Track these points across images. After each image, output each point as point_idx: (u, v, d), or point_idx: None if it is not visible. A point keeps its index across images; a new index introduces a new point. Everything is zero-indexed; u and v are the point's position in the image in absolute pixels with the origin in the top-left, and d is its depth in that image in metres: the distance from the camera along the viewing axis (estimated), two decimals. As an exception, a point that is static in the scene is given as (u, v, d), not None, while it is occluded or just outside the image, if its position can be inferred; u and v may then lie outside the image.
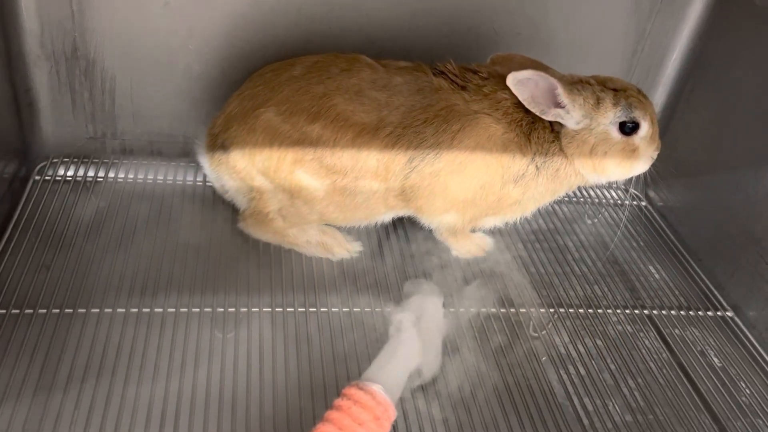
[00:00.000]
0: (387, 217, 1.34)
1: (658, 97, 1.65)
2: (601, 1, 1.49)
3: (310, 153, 1.19)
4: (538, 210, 1.35)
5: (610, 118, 1.17)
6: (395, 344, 1.03)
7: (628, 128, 1.18)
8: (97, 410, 0.97)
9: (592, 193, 1.71)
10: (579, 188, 1.71)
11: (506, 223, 1.36)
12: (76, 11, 1.29)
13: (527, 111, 1.18)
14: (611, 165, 1.21)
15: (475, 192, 1.23)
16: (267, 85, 1.23)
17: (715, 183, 1.48)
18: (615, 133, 1.18)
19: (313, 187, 1.22)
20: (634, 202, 1.71)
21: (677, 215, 1.60)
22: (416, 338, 1.07)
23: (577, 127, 1.19)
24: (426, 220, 1.32)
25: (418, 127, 1.18)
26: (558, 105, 1.17)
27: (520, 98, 1.15)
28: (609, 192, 1.73)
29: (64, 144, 1.45)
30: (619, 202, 1.70)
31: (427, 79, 1.22)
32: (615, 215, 1.64)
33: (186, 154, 1.47)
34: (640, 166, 1.24)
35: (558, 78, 1.15)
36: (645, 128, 1.19)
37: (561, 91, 1.14)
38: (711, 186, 1.50)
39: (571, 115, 1.18)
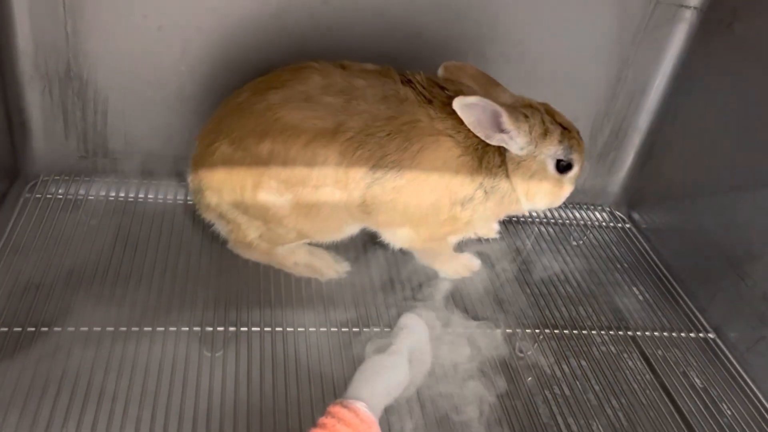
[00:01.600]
0: (356, 229, 1.33)
1: (642, 122, 1.68)
2: (586, 28, 1.53)
3: (265, 172, 1.18)
4: (524, 231, 1.37)
5: (552, 151, 1.20)
6: (380, 361, 1.04)
7: (561, 166, 1.22)
8: (84, 430, 0.97)
9: (577, 215, 1.73)
10: (565, 209, 1.74)
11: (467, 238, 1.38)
12: (71, 33, 1.31)
13: None
14: (540, 194, 1.25)
15: (427, 210, 1.23)
16: (216, 120, 1.25)
17: (696, 206, 1.51)
18: (550, 167, 1.22)
19: (278, 205, 1.21)
20: (619, 224, 1.73)
21: (660, 237, 1.63)
22: (402, 356, 1.08)
23: (521, 152, 1.20)
24: (386, 235, 1.32)
25: (382, 140, 1.17)
26: (502, 130, 1.18)
27: (466, 122, 1.15)
28: (594, 214, 1.75)
29: (56, 162, 1.46)
30: (604, 224, 1.73)
31: (394, 87, 1.20)
32: (600, 237, 1.67)
33: (177, 174, 1.49)
34: (558, 202, 1.29)
35: (503, 103, 1.16)
36: (575, 171, 1.24)
37: (505, 119, 1.15)
38: (693, 209, 1.53)
39: (515, 141, 1.19)
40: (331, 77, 1.20)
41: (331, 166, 1.17)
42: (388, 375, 1.00)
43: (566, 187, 1.26)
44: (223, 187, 1.23)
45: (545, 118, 1.20)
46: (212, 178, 1.24)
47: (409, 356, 1.06)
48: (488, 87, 1.26)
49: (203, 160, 1.25)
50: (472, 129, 1.16)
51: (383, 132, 1.17)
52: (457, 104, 1.13)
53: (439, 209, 1.24)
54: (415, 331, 1.14)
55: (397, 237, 1.32)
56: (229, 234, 1.32)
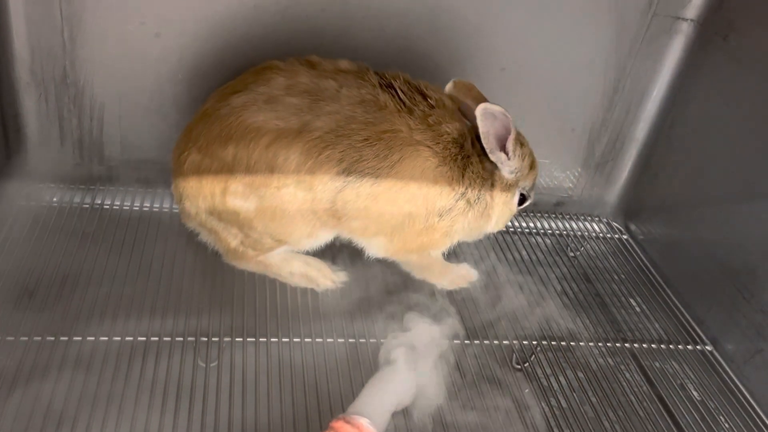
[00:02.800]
0: (330, 236, 1.31)
1: (639, 132, 1.68)
2: (583, 39, 1.53)
3: (231, 176, 1.18)
4: (521, 242, 1.37)
5: (526, 184, 1.28)
6: (384, 376, 1.03)
7: (520, 198, 1.30)
8: (77, 441, 0.96)
9: (574, 225, 1.73)
10: (562, 220, 1.74)
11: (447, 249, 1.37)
12: (67, 40, 1.30)
13: (462, 147, 1.20)
14: (502, 222, 1.32)
15: (402, 220, 1.23)
16: (186, 130, 1.25)
17: (693, 218, 1.51)
18: (516, 198, 1.29)
19: (244, 209, 1.20)
20: (616, 236, 1.73)
21: (657, 249, 1.63)
22: (406, 370, 1.07)
23: (509, 177, 1.24)
24: (360, 244, 1.31)
25: (357, 144, 1.15)
26: (503, 149, 1.19)
27: (480, 129, 1.15)
28: (591, 225, 1.75)
29: (51, 170, 1.45)
30: (601, 235, 1.72)
31: (372, 92, 1.19)
32: (597, 248, 1.67)
33: (171, 183, 1.48)
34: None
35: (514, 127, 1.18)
36: (525, 204, 1.31)
37: (512, 139, 1.17)
38: (689, 221, 1.53)
39: (511, 164, 1.22)
40: (295, 78, 1.19)
41: (293, 166, 1.15)
42: (394, 389, 0.99)
43: (511, 216, 1.33)
44: (197, 196, 1.23)
45: (533, 154, 1.25)
46: (187, 187, 1.24)
47: (413, 360, 1.05)
48: None
49: (178, 170, 1.25)
50: (482, 138, 1.17)
51: (359, 136, 1.15)
52: (482, 109, 1.13)
53: (414, 219, 1.23)
54: (417, 333, 1.13)
55: (371, 245, 1.31)
56: (214, 243, 1.32)
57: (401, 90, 1.20)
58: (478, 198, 1.24)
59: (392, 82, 1.21)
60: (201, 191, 1.22)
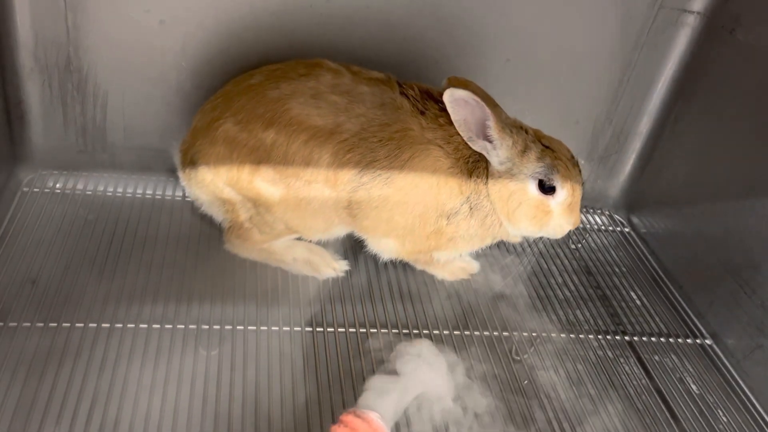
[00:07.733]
0: (343, 231, 1.33)
1: (643, 126, 1.68)
2: (588, 31, 1.52)
3: (265, 159, 1.19)
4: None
5: (530, 169, 1.16)
6: (398, 373, 1.03)
7: (545, 188, 1.17)
8: (78, 427, 0.97)
9: (576, 217, 1.73)
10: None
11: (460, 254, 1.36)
12: (71, 27, 1.30)
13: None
14: (523, 218, 1.20)
15: (413, 220, 1.23)
16: (226, 96, 1.26)
17: (695, 212, 1.51)
18: (532, 188, 1.18)
19: (269, 193, 1.22)
20: (618, 228, 1.73)
21: (659, 242, 1.63)
22: (419, 368, 1.07)
23: (500, 167, 1.18)
24: (372, 244, 1.32)
25: (373, 145, 1.18)
26: (487, 138, 1.16)
27: (453, 118, 1.14)
28: (594, 217, 1.75)
29: (54, 156, 1.46)
30: (603, 227, 1.72)
31: (392, 96, 1.21)
32: (599, 240, 1.67)
33: (175, 170, 1.47)
34: (550, 230, 1.22)
35: (495, 113, 1.14)
36: (562, 195, 1.18)
37: (492, 125, 1.13)
38: (692, 215, 1.52)
39: (497, 153, 1.16)
40: (340, 78, 1.22)
41: (324, 165, 1.18)
42: (404, 388, 0.99)
43: (554, 214, 1.20)
44: (221, 165, 1.23)
45: (529, 138, 1.18)
46: (212, 153, 1.24)
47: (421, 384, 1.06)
48: (488, 103, 1.21)
49: (204, 133, 1.25)
50: (457, 128, 1.15)
51: (375, 138, 1.18)
52: (448, 96, 1.11)
53: (425, 221, 1.23)
54: (426, 363, 1.13)
55: (381, 247, 1.31)
56: (224, 215, 1.32)
57: (414, 97, 1.21)
58: (477, 204, 1.22)
59: (405, 91, 1.22)
60: (228, 163, 1.22)
